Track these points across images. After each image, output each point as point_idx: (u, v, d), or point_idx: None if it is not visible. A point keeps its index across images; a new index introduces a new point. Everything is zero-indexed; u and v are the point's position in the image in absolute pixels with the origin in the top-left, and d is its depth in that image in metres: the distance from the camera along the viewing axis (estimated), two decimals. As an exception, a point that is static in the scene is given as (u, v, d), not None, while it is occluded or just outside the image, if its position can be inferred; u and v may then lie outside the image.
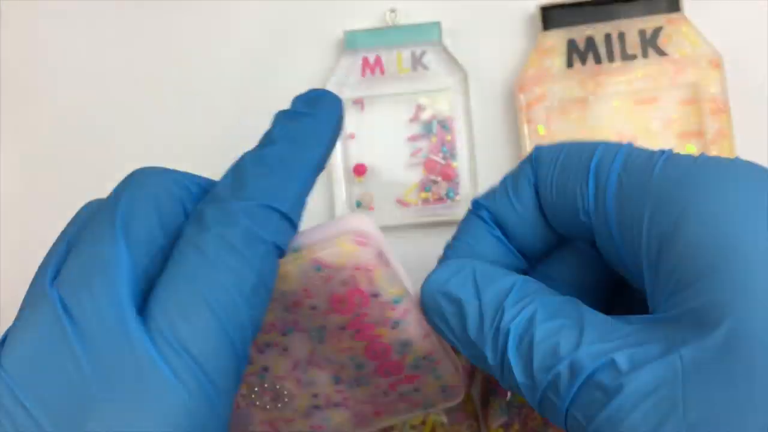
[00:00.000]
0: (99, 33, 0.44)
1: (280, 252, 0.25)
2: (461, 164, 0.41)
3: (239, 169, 0.25)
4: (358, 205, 0.41)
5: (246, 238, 0.24)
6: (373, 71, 0.41)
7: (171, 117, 0.43)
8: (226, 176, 0.25)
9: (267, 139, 0.26)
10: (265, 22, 0.43)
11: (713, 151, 0.39)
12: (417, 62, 0.41)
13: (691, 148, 0.40)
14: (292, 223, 0.25)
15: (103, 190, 0.42)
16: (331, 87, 0.41)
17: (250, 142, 0.26)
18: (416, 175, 0.41)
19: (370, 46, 0.41)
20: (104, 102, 0.43)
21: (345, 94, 0.41)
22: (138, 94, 0.43)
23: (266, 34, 0.43)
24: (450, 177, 0.41)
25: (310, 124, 0.26)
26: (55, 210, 0.43)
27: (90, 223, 0.25)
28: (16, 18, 0.44)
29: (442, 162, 0.41)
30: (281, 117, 0.27)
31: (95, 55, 0.44)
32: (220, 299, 0.23)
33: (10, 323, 0.42)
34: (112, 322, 0.22)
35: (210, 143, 0.42)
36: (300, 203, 0.26)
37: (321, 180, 0.42)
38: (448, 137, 0.41)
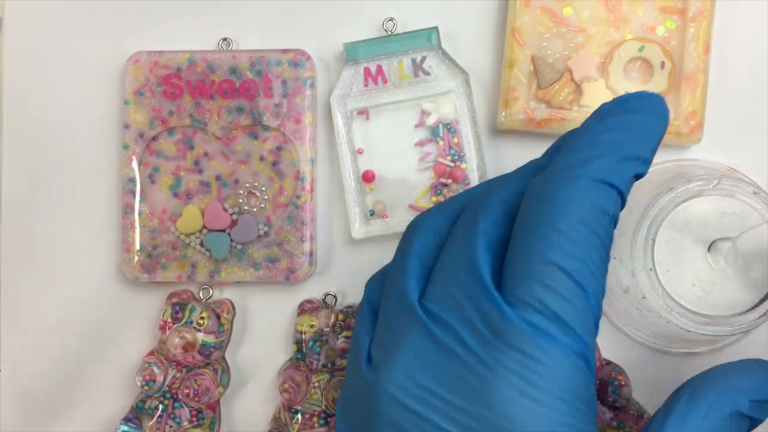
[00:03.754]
0: (100, 32, 0.44)
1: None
2: (470, 165, 0.41)
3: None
4: (372, 214, 0.42)
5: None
6: (375, 81, 0.41)
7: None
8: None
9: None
10: (264, 38, 0.43)
11: (691, 29, 0.40)
12: (418, 68, 0.41)
13: (670, 25, 0.40)
14: None
15: (104, 190, 0.42)
16: (334, 99, 0.41)
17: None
18: (426, 180, 0.42)
19: (370, 57, 0.41)
20: (105, 101, 0.44)
21: (349, 106, 0.42)
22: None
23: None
24: (460, 179, 0.41)
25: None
26: (56, 210, 0.43)
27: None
28: (19, 18, 0.44)
29: (451, 164, 0.41)
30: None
31: (97, 54, 0.44)
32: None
33: (9, 322, 0.42)
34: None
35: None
36: None
37: (333, 192, 0.42)
38: (455, 140, 0.41)
